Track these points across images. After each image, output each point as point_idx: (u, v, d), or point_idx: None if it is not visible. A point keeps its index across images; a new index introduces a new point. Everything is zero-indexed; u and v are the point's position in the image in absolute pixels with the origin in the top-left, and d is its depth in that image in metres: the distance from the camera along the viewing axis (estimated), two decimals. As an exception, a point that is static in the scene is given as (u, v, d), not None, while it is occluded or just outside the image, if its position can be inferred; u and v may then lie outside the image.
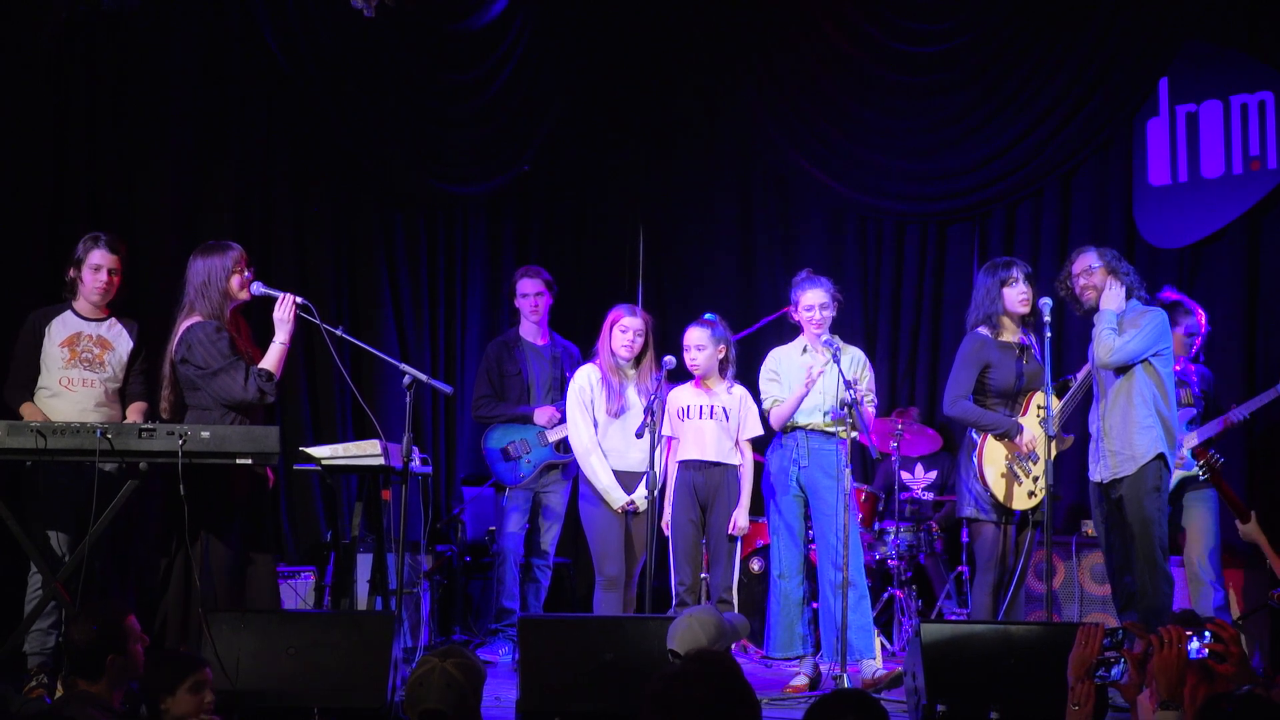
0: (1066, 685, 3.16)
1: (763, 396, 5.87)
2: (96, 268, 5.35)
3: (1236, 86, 7.23)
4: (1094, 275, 5.68)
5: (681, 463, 5.88)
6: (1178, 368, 6.12)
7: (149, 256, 6.51)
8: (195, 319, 5.21)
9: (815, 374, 5.69)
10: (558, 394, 6.75)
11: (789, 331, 6.14)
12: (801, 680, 5.69)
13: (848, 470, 5.59)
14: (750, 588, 6.80)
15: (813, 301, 5.82)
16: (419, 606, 6.58)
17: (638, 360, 6.07)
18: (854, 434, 5.67)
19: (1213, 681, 2.97)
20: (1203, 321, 6.26)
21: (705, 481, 5.84)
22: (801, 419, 5.78)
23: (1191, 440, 6.05)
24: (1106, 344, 5.47)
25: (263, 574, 5.27)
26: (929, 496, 7.36)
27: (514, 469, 6.68)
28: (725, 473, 5.85)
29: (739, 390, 5.95)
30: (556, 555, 6.94)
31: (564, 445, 6.60)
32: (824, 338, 5.76)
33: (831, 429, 5.73)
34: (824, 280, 5.89)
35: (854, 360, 5.82)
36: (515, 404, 6.74)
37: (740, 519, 5.82)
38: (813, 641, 5.82)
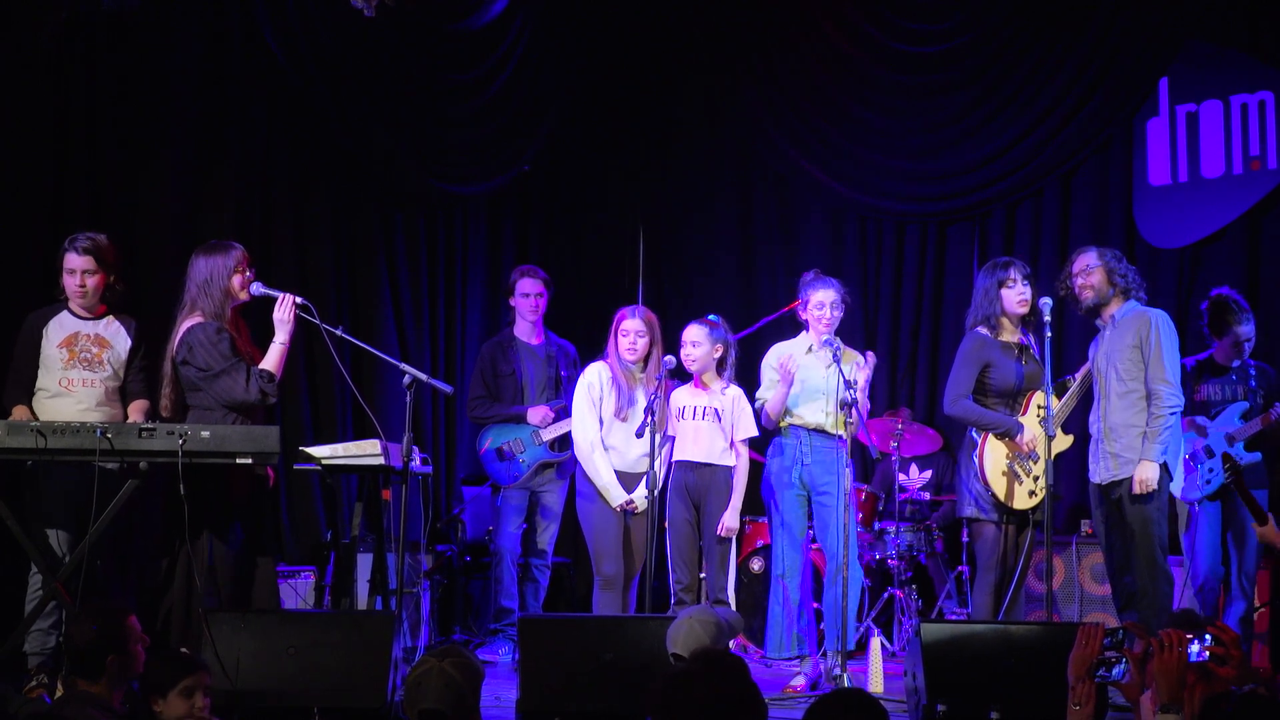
0: (1067, 685, 3.15)
1: (758, 395, 5.88)
2: (70, 272, 5.34)
3: (1236, 86, 7.23)
4: (1092, 275, 5.67)
5: (676, 463, 5.88)
6: (1236, 363, 6.11)
7: (149, 256, 6.51)
8: (196, 318, 5.22)
9: (793, 365, 5.69)
10: (552, 393, 6.76)
11: (789, 332, 6.15)
12: (800, 680, 5.70)
13: (847, 470, 5.59)
14: (750, 588, 6.80)
15: (823, 300, 5.82)
16: (419, 606, 6.58)
17: (645, 361, 6.06)
18: (853, 432, 5.69)
19: (1212, 682, 2.96)
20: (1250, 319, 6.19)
21: (698, 482, 5.84)
22: (806, 417, 5.77)
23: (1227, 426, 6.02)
24: (1170, 403, 5.46)
25: (263, 574, 5.27)
26: (925, 496, 7.36)
27: (509, 469, 6.68)
28: (717, 473, 5.85)
29: (734, 391, 5.95)
30: (556, 555, 6.94)
31: (558, 444, 6.61)
32: (824, 338, 5.78)
33: (832, 429, 5.73)
34: (834, 281, 5.91)
35: (853, 363, 5.84)
36: (510, 404, 6.75)
37: (729, 520, 5.81)
38: (813, 642, 5.82)
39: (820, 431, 5.77)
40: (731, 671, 2.56)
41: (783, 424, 5.83)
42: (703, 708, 2.44)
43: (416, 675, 3.04)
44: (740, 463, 5.90)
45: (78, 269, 5.33)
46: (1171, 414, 5.47)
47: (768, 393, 5.84)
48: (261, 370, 5.19)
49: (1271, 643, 6.22)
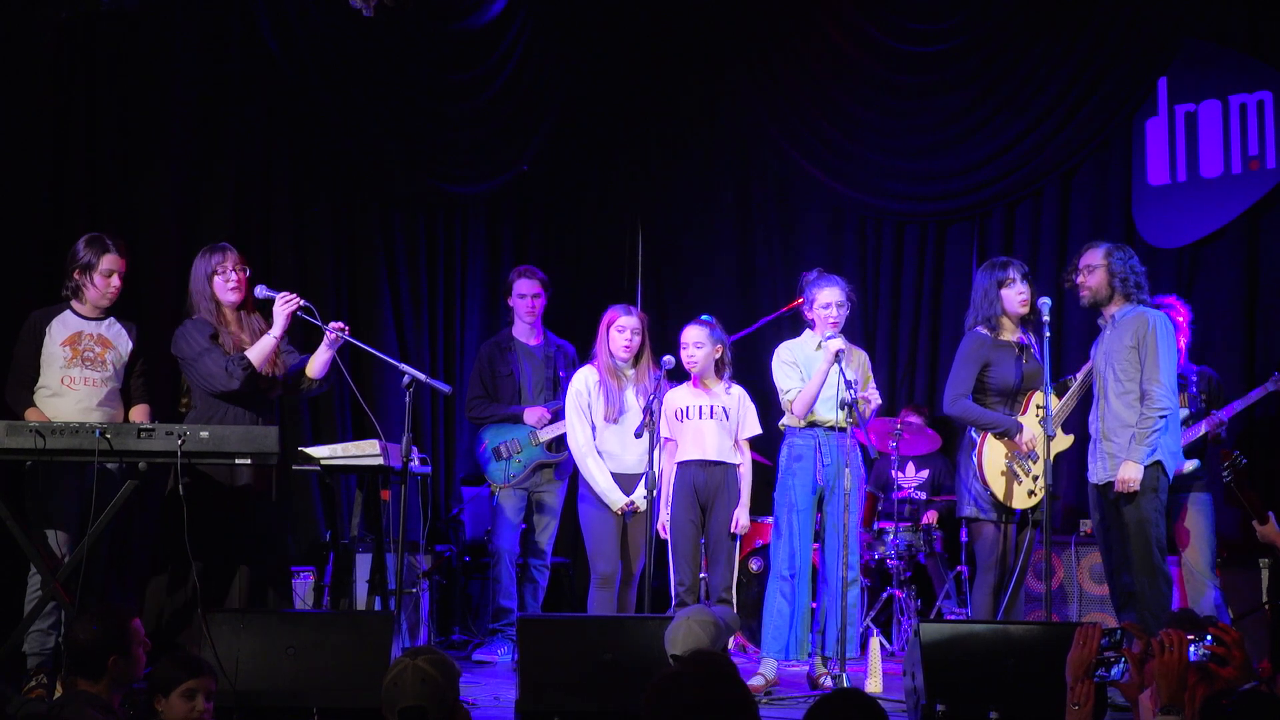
0: (1066, 685, 3.15)
1: (784, 388, 5.80)
2: (109, 273, 5.35)
3: (1235, 86, 7.22)
4: (1092, 275, 5.66)
5: (681, 463, 5.87)
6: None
7: (149, 256, 6.50)
8: (193, 316, 5.40)
9: (834, 351, 5.59)
10: (550, 394, 6.76)
11: (788, 331, 6.14)
12: (759, 681, 5.61)
13: (847, 470, 5.59)
14: (750, 588, 6.80)
15: (829, 299, 5.79)
16: (418, 606, 6.59)
17: (636, 360, 6.07)
18: (851, 427, 5.69)
19: (1213, 683, 2.96)
20: (1185, 329, 6.17)
21: (706, 481, 5.83)
22: (822, 414, 5.73)
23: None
24: (1161, 405, 5.46)
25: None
26: (922, 496, 7.36)
27: (505, 469, 6.69)
28: (726, 472, 5.85)
29: (737, 390, 5.95)
30: (555, 555, 6.94)
31: (555, 444, 6.61)
32: (828, 334, 5.75)
33: (842, 425, 5.71)
34: (839, 279, 5.89)
35: (857, 361, 5.84)
36: (508, 404, 6.75)
37: (742, 518, 5.82)
38: (814, 642, 5.81)
39: (834, 429, 5.75)
40: (721, 673, 2.55)
41: (800, 423, 5.80)
42: (693, 710, 2.43)
43: (392, 676, 3.04)
44: (745, 461, 5.91)
45: (115, 269, 5.37)
46: (1161, 416, 5.46)
47: (794, 383, 5.76)
48: (239, 355, 5.27)
49: (1272, 643, 6.22)
